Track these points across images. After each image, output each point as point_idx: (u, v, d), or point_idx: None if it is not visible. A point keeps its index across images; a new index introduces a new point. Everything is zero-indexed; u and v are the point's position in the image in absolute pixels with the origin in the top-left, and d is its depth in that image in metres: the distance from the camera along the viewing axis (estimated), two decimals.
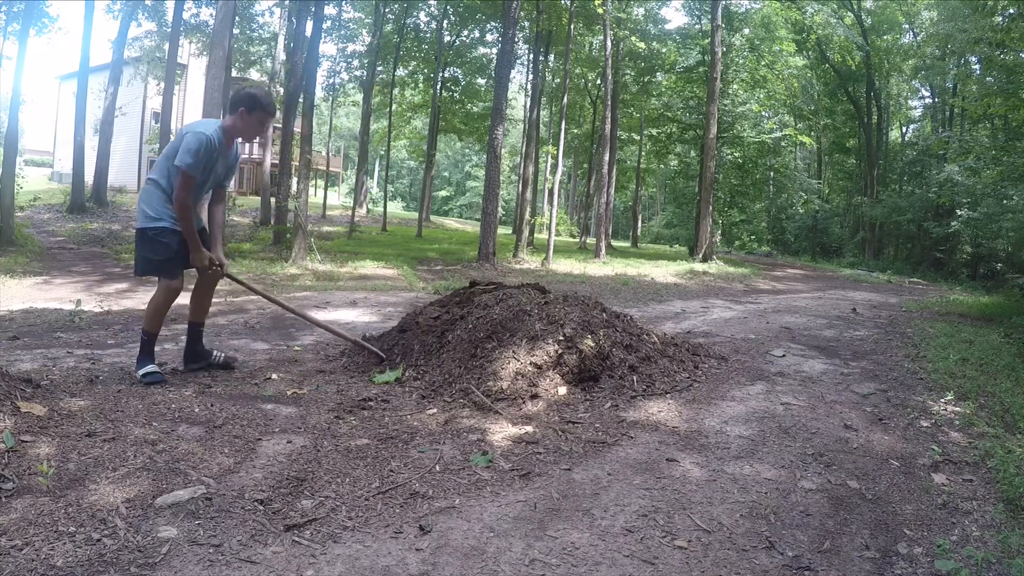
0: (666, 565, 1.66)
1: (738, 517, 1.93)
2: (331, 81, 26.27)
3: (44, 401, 2.40)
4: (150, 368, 2.95)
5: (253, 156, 32.02)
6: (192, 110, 26.62)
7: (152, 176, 3.14)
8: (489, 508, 1.91)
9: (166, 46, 18.75)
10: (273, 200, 18.19)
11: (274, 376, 3.19)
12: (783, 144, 21.90)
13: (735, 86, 19.65)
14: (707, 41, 18.45)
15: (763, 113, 20.78)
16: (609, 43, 16.91)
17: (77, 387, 2.69)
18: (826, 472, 2.32)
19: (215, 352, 3.37)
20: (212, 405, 2.63)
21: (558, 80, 21.77)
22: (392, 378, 3.16)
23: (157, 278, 3.16)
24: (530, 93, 20.07)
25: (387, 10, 21.92)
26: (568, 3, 16.69)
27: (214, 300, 6.74)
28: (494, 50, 23.97)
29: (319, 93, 25.82)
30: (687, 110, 22.74)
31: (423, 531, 1.75)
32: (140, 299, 7.43)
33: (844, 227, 29.58)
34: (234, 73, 22.10)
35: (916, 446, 2.66)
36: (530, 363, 3.03)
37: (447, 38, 24.06)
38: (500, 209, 19.42)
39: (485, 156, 17.59)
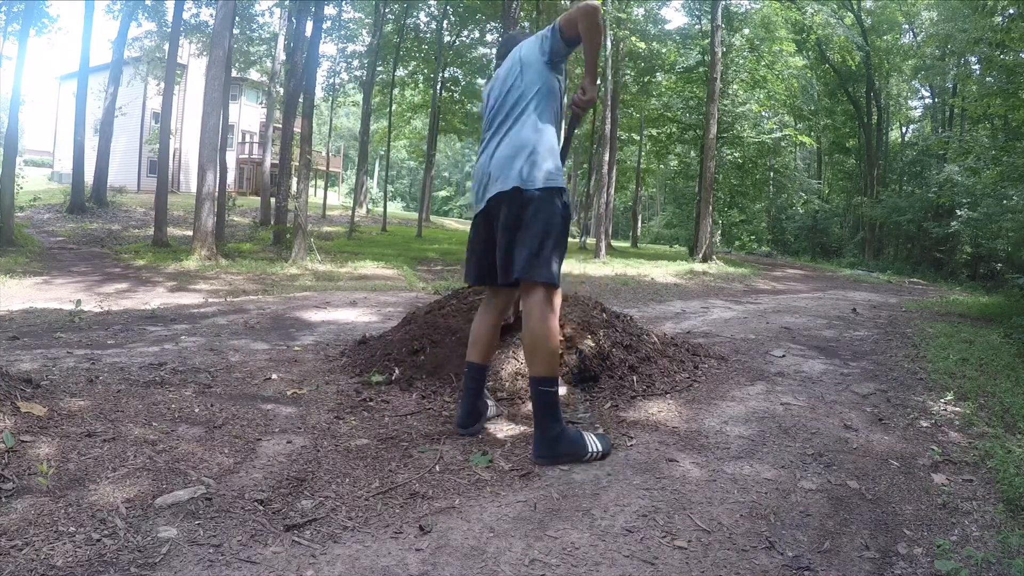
0: (666, 565, 1.66)
1: (738, 517, 1.93)
2: (331, 81, 26.30)
3: (44, 401, 2.40)
4: (598, 441, 2.28)
5: (253, 156, 32.05)
6: (192, 110, 26.62)
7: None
8: (489, 508, 1.92)
9: (166, 46, 18.74)
10: (273, 200, 18.21)
11: (274, 376, 3.19)
12: (783, 144, 21.90)
13: (735, 86, 19.65)
14: (707, 41, 18.45)
15: (763, 113, 20.79)
16: (609, 43, 16.92)
17: (77, 387, 2.69)
18: (826, 472, 2.32)
19: (490, 403, 2.65)
20: (212, 405, 2.63)
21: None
22: (392, 378, 3.16)
23: (542, 283, 2.20)
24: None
25: (387, 10, 21.93)
26: (568, 3, 16.69)
27: (212, 300, 6.75)
28: (494, 50, 23.96)
29: (319, 93, 25.85)
30: (687, 110, 22.76)
31: (423, 531, 1.75)
32: (140, 299, 7.43)
33: (844, 227, 29.60)
34: (234, 73, 22.11)
35: (916, 446, 2.66)
36: None
37: (447, 38, 24.08)
38: None
39: None
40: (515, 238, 2.21)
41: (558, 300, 2.28)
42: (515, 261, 2.20)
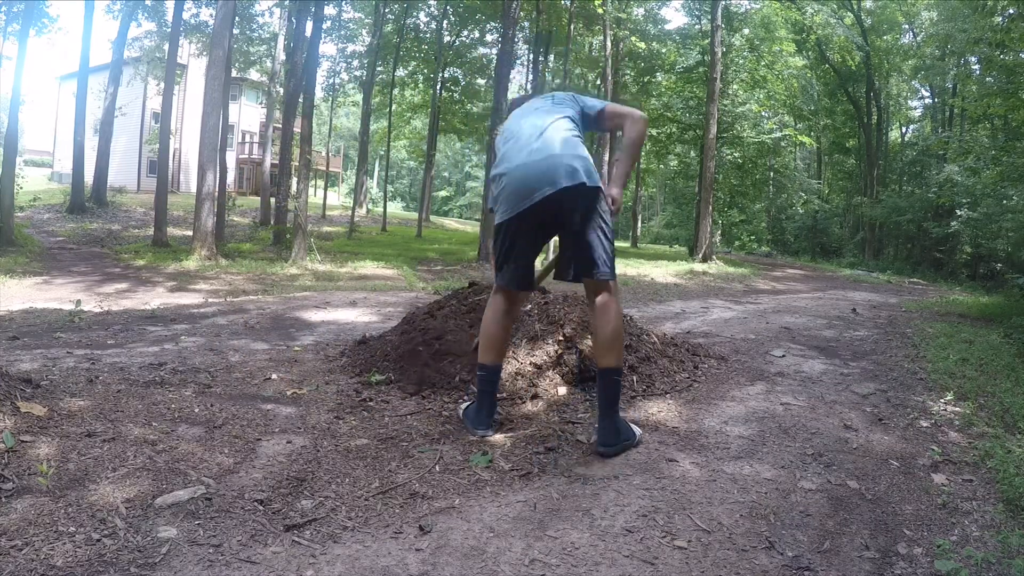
0: (666, 565, 1.66)
1: (738, 517, 1.93)
2: (331, 81, 26.30)
3: (44, 401, 2.40)
4: (633, 428, 2.42)
5: (253, 156, 32.05)
6: (192, 110, 26.62)
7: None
8: (489, 508, 1.92)
9: (166, 46, 18.74)
10: (273, 200, 18.21)
11: (274, 376, 3.19)
12: (783, 144, 21.90)
13: (735, 86, 19.65)
14: (707, 41, 18.45)
15: (763, 113, 20.78)
16: (609, 43, 16.93)
17: (77, 387, 2.69)
18: (826, 472, 2.32)
19: (635, 428, 2.50)
20: (212, 405, 2.63)
21: (558, 80, 21.76)
22: (391, 378, 3.16)
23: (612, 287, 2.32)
24: (530, 93, 20.07)
25: (387, 10, 21.93)
26: (568, 3, 16.70)
27: (212, 300, 6.75)
28: (494, 50, 23.96)
29: (319, 93, 25.85)
30: (687, 110, 22.74)
31: (423, 531, 1.75)
32: (140, 299, 7.43)
33: (844, 227, 29.59)
34: (234, 73, 22.12)
35: (916, 446, 2.66)
36: (530, 363, 3.04)
37: (447, 38, 24.07)
38: None
39: (485, 156, 17.56)
40: (589, 235, 2.26)
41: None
42: (595, 260, 2.28)
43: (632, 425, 2.46)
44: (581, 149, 2.29)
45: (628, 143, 2.39)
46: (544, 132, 2.30)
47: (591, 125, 2.47)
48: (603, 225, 2.27)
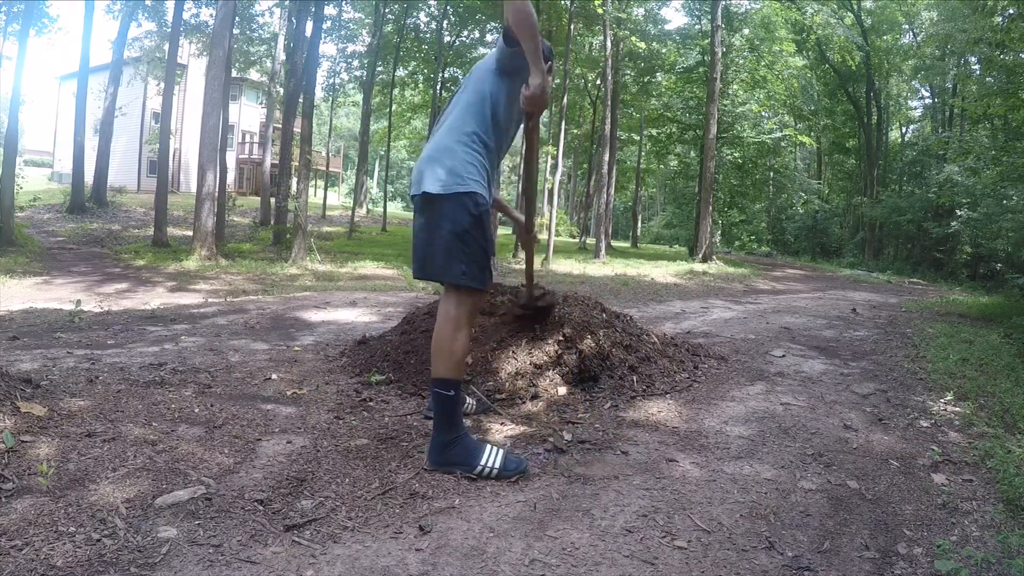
0: (666, 565, 1.66)
1: (738, 517, 1.93)
2: (331, 81, 26.29)
3: (44, 401, 2.40)
4: (500, 459, 2.12)
5: (253, 156, 32.05)
6: (192, 110, 26.63)
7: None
8: (489, 508, 1.92)
9: (166, 46, 18.75)
10: (273, 200, 18.21)
11: (274, 376, 3.19)
12: (783, 144, 21.92)
13: (735, 86, 19.67)
14: (707, 41, 18.46)
15: (763, 113, 20.80)
16: (609, 43, 16.91)
17: (77, 387, 2.69)
18: (826, 472, 2.32)
19: (468, 399, 2.70)
20: (212, 405, 2.63)
21: (558, 80, 21.77)
22: (391, 378, 3.16)
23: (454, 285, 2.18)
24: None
25: (387, 10, 21.91)
26: (568, 3, 16.68)
27: (212, 300, 6.75)
28: (494, 51, 23.92)
29: (319, 93, 25.85)
30: (687, 110, 22.76)
31: (423, 531, 1.75)
32: (140, 299, 7.43)
33: (844, 227, 29.59)
34: (234, 73, 22.11)
35: (916, 446, 2.66)
36: (530, 363, 3.04)
37: (447, 38, 24.04)
38: None
39: None
40: (431, 240, 2.17)
41: (471, 303, 2.19)
42: (435, 262, 2.17)
43: (498, 455, 2.13)
44: (444, 148, 2.18)
45: (515, 30, 2.11)
46: (434, 135, 2.28)
47: (507, 54, 2.20)
48: (445, 232, 2.13)
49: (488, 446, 2.16)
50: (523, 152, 2.25)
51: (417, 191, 2.20)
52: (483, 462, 2.10)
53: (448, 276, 2.15)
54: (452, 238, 2.11)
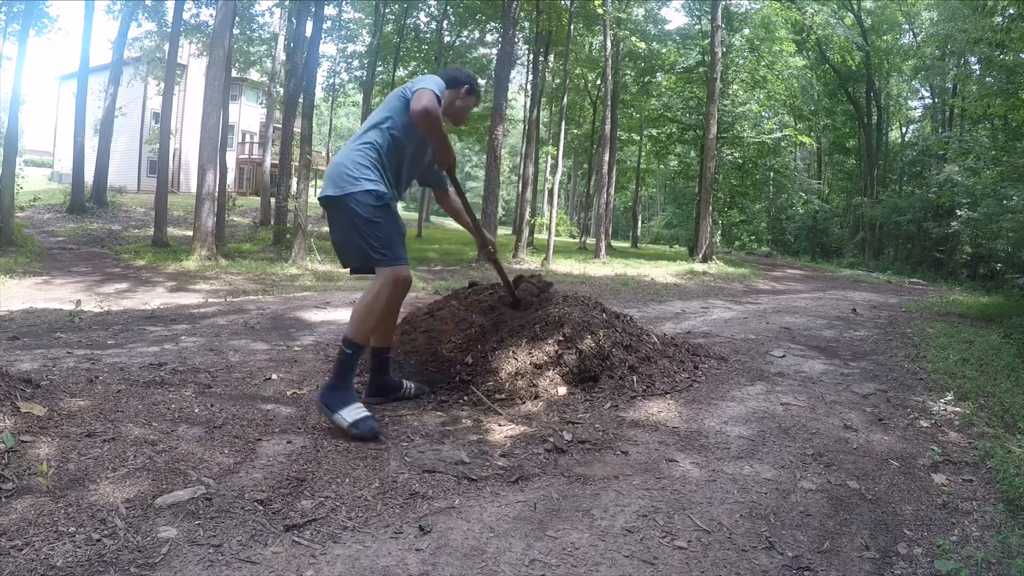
0: (666, 565, 1.66)
1: (738, 517, 1.93)
2: (331, 81, 26.30)
3: (44, 401, 2.40)
4: (357, 416, 2.38)
5: (253, 156, 32.06)
6: (192, 110, 26.62)
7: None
8: (489, 508, 1.92)
9: (166, 46, 18.76)
10: (273, 200, 18.21)
11: (274, 376, 3.19)
12: (783, 144, 21.90)
13: (735, 86, 19.66)
14: (707, 41, 18.47)
15: (763, 113, 20.78)
16: (609, 43, 16.91)
17: (77, 387, 2.69)
18: (826, 472, 2.32)
19: (405, 383, 2.92)
20: (212, 405, 2.63)
21: (558, 80, 21.75)
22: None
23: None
24: (530, 93, 20.07)
25: (387, 10, 21.91)
26: (568, 3, 16.69)
27: (212, 300, 6.75)
28: (494, 50, 23.96)
29: (319, 93, 25.82)
30: (687, 110, 22.75)
31: (423, 531, 1.75)
32: (140, 299, 7.43)
33: (844, 227, 29.58)
34: (234, 73, 22.12)
35: (916, 446, 2.66)
36: (530, 363, 3.03)
37: (447, 38, 24.04)
38: (500, 209, 19.43)
39: (485, 156, 17.57)
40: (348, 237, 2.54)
41: (393, 278, 2.48)
42: (357, 253, 2.54)
43: (360, 412, 2.39)
44: (342, 156, 2.55)
45: (420, 130, 2.51)
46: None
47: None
48: (358, 224, 2.46)
49: (357, 406, 2.42)
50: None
51: (321, 195, 2.56)
52: (343, 414, 2.39)
53: (371, 261, 2.50)
54: (363, 227, 2.45)
